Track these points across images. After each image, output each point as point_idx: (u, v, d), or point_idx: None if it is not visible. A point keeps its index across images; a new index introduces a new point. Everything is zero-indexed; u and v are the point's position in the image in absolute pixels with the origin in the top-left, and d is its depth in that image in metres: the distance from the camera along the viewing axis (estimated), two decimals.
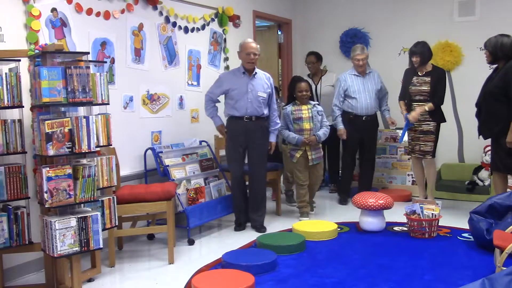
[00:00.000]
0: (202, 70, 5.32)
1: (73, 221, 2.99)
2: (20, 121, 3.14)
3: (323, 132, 4.93)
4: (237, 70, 4.62)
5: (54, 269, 3.31)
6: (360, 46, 5.50)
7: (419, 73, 5.13)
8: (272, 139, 4.72)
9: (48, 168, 2.91)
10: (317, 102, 5.07)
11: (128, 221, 4.22)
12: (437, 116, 5.11)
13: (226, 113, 4.65)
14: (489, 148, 5.78)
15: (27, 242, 3.19)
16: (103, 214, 3.35)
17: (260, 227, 4.65)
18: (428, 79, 5.07)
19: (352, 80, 5.50)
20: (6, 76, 3.01)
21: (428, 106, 5.02)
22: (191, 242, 4.29)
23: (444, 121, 5.19)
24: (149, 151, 4.57)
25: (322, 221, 4.64)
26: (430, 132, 5.10)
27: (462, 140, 6.08)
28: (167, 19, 4.84)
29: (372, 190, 5.44)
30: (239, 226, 4.70)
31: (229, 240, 4.37)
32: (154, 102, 4.73)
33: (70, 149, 2.95)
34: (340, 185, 5.83)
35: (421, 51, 5.02)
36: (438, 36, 6.08)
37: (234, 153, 4.61)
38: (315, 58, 6.06)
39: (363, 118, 5.48)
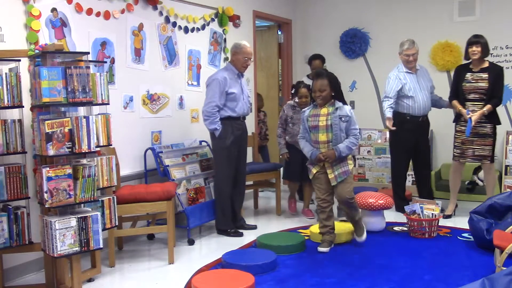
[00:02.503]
0: (202, 70, 5.32)
1: (73, 221, 2.98)
2: (20, 121, 3.14)
3: (346, 145, 3.78)
4: (230, 72, 4.49)
5: (54, 269, 3.31)
6: (410, 40, 5.01)
7: (473, 69, 4.74)
8: None
9: (48, 168, 2.91)
10: (343, 103, 3.88)
11: (128, 221, 4.22)
12: (494, 118, 4.72)
13: (221, 115, 4.42)
14: None
15: (27, 242, 3.19)
16: (103, 214, 3.35)
17: (248, 225, 4.74)
18: (485, 75, 4.67)
19: (405, 78, 4.97)
20: (6, 76, 3.01)
21: (487, 109, 4.61)
22: (191, 242, 4.28)
23: (500, 123, 4.80)
24: (149, 151, 4.57)
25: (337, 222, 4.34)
26: (487, 135, 4.69)
27: None
28: (167, 19, 4.84)
29: (371, 190, 5.17)
30: (238, 232, 4.56)
31: (229, 240, 4.37)
32: (154, 102, 4.73)
33: (70, 149, 2.95)
34: (395, 193, 5.14)
35: (483, 42, 4.65)
36: (438, 36, 6.08)
37: (230, 155, 4.47)
38: (321, 63, 5.90)
39: (420, 119, 4.99)
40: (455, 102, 4.84)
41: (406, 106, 4.98)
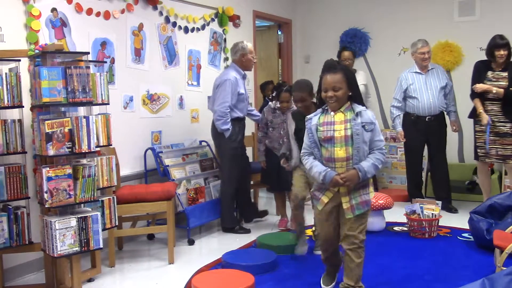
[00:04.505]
0: (202, 70, 5.32)
1: (73, 221, 2.99)
2: (20, 121, 3.14)
3: (371, 163, 2.77)
4: (237, 73, 4.54)
5: (54, 269, 3.31)
6: (422, 39, 5.08)
7: (495, 68, 4.68)
8: None
9: (48, 168, 2.91)
10: (365, 107, 2.85)
11: (128, 221, 4.22)
12: None
13: (231, 116, 4.46)
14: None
15: (27, 242, 3.19)
16: (103, 214, 3.35)
17: (259, 212, 4.98)
18: (505, 74, 4.61)
19: (413, 78, 5.07)
20: (6, 76, 3.01)
21: (497, 90, 4.52)
22: (191, 242, 4.28)
23: None
24: (149, 151, 4.57)
25: None
26: (508, 134, 4.61)
27: (462, 140, 6.08)
28: (167, 19, 4.84)
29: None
30: (244, 228, 4.64)
31: (229, 240, 4.37)
32: (154, 102, 4.73)
33: (70, 149, 2.95)
34: (409, 195, 5.24)
35: (509, 44, 4.57)
36: (438, 36, 6.09)
37: (237, 155, 4.56)
38: (352, 55, 5.50)
39: (426, 119, 5.02)
40: (476, 102, 4.74)
41: (412, 106, 5.08)
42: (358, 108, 2.81)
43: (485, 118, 4.62)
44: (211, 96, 4.61)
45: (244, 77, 4.61)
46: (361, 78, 5.53)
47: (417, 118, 5.05)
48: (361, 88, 5.37)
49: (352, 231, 2.84)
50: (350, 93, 2.82)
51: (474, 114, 4.84)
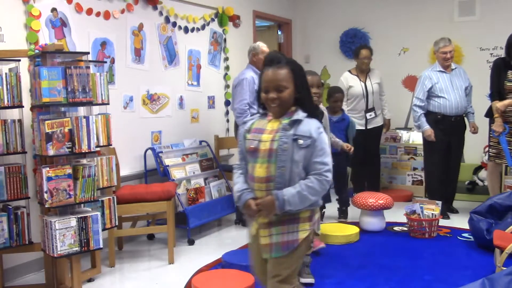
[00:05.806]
0: (202, 70, 5.32)
1: (73, 221, 2.98)
2: (20, 121, 3.14)
3: (297, 191, 2.03)
4: (254, 72, 4.61)
5: (54, 269, 3.31)
6: (445, 38, 4.87)
7: None
8: None
9: (48, 168, 2.91)
10: (308, 114, 2.13)
11: (128, 221, 4.22)
12: None
13: (250, 113, 4.57)
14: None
15: (27, 242, 3.18)
16: (103, 214, 3.36)
17: None
18: None
19: (437, 77, 4.82)
20: (6, 76, 3.01)
21: None
22: (191, 242, 4.29)
23: None
24: (149, 151, 4.57)
25: (344, 225, 4.42)
26: None
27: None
28: (167, 19, 4.84)
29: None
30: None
31: (229, 240, 4.37)
32: (154, 102, 4.73)
33: (70, 149, 2.95)
34: (429, 196, 5.03)
35: None
36: (438, 36, 6.04)
37: None
38: (369, 53, 5.40)
39: (452, 119, 4.81)
40: (495, 105, 4.47)
41: (438, 105, 4.83)
42: (298, 115, 2.11)
43: (499, 126, 4.41)
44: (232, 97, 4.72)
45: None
46: (376, 77, 5.50)
47: (443, 117, 4.82)
48: (375, 87, 5.40)
49: (273, 279, 2.13)
50: (298, 95, 2.13)
51: (490, 114, 4.63)
